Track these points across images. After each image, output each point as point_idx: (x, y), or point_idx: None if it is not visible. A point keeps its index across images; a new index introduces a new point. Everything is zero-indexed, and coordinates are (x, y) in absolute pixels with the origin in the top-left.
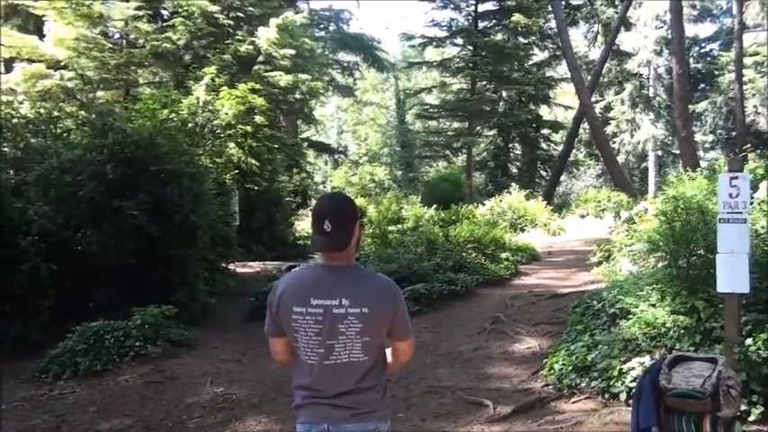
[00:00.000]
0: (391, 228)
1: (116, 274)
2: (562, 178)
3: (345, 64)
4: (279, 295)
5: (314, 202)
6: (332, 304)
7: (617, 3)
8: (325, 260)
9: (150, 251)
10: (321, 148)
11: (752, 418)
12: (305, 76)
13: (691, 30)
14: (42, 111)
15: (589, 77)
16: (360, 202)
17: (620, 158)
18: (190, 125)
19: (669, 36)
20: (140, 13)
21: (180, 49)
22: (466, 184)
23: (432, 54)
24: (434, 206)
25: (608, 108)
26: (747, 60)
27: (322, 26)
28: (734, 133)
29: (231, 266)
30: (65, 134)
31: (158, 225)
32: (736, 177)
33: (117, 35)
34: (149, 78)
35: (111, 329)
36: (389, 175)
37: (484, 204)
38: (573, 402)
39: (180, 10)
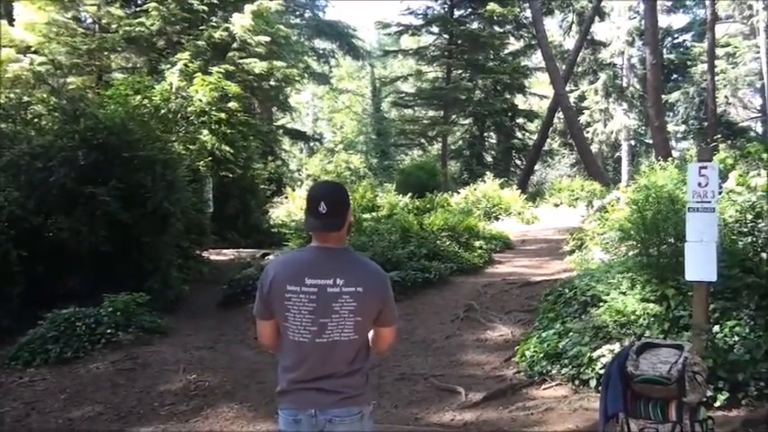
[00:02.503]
0: (366, 215)
1: (88, 261)
2: (536, 167)
3: (321, 51)
4: (272, 276)
5: (288, 189)
6: (326, 283)
7: None
8: (320, 242)
9: (123, 238)
10: (296, 135)
11: (717, 403)
12: (280, 63)
13: (664, 20)
14: (12, 96)
15: (564, 67)
16: None
17: (594, 148)
18: (163, 111)
19: (642, 27)
20: None
21: (153, 34)
22: (441, 172)
23: (407, 42)
24: (409, 194)
25: (582, 98)
26: (719, 51)
27: (298, 13)
28: (705, 123)
29: (205, 254)
30: (35, 120)
31: (131, 212)
32: (705, 167)
33: (89, 20)
34: (122, 64)
35: (83, 316)
36: (365, 163)
37: (458, 193)
38: (544, 389)
39: None
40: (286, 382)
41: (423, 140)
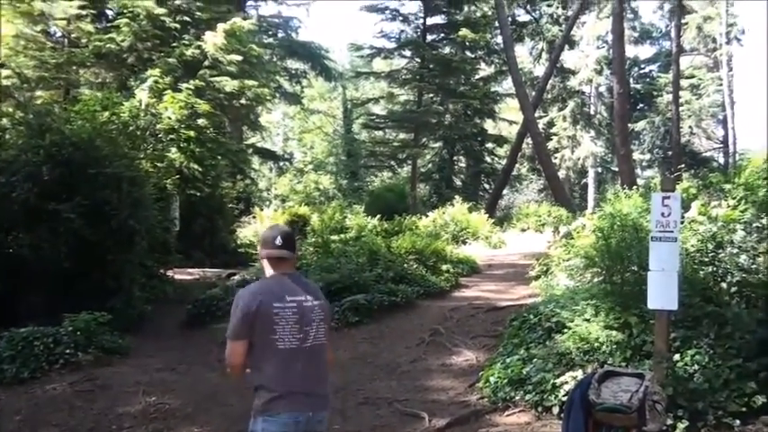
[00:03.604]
0: (334, 237)
1: (49, 279)
2: (505, 192)
3: (293, 71)
4: (258, 299)
5: (257, 209)
6: (302, 299)
7: (561, 21)
8: (279, 271)
9: (86, 256)
10: (266, 154)
11: None
12: (251, 82)
13: (631, 51)
14: None
15: (533, 93)
16: (303, 210)
17: (561, 174)
18: (131, 128)
19: (610, 56)
20: (83, 12)
21: (124, 50)
22: (410, 195)
23: (380, 65)
24: (378, 216)
25: (551, 124)
26: (684, 83)
27: (270, 33)
28: (670, 152)
29: (170, 273)
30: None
31: (95, 229)
32: (668, 197)
33: (59, 34)
34: (91, 79)
35: (41, 336)
36: (334, 184)
37: (427, 216)
38: (507, 415)
39: (125, 11)
40: (281, 387)
41: (393, 163)
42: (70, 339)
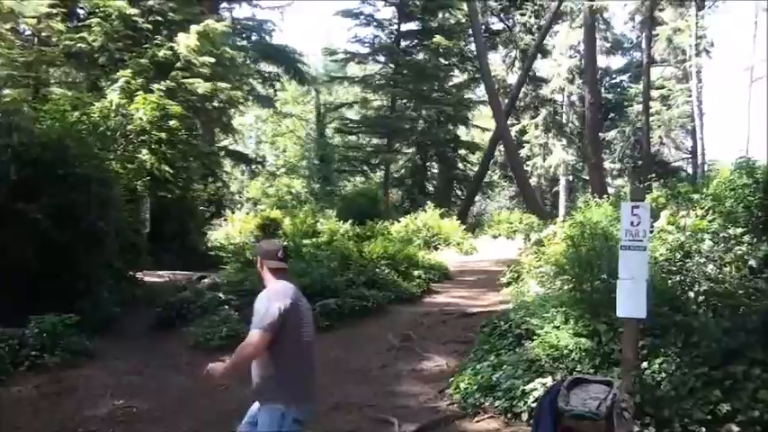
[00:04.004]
0: (306, 241)
1: (15, 280)
2: (477, 198)
3: (266, 75)
4: (288, 300)
5: (228, 211)
6: (303, 302)
7: (534, 30)
8: (284, 278)
9: (53, 257)
10: (238, 157)
11: None
12: (224, 85)
13: (603, 61)
14: None
15: (506, 101)
16: (275, 214)
17: (533, 181)
18: (101, 128)
19: (582, 65)
20: (54, 11)
21: (95, 50)
22: (383, 200)
23: (354, 70)
24: (350, 221)
25: (523, 132)
26: (654, 93)
27: (244, 35)
28: (640, 162)
29: (139, 275)
30: None
31: (63, 230)
32: (638, 207)
33: (28, 32)
34: (61, 78)
35: (6, 338)
36: (307, 188)
37: (399, 221)
38: (477, 421)
39: (97, 10)
40: (303, 380)
41: (365, 167)
42: (36, 341)
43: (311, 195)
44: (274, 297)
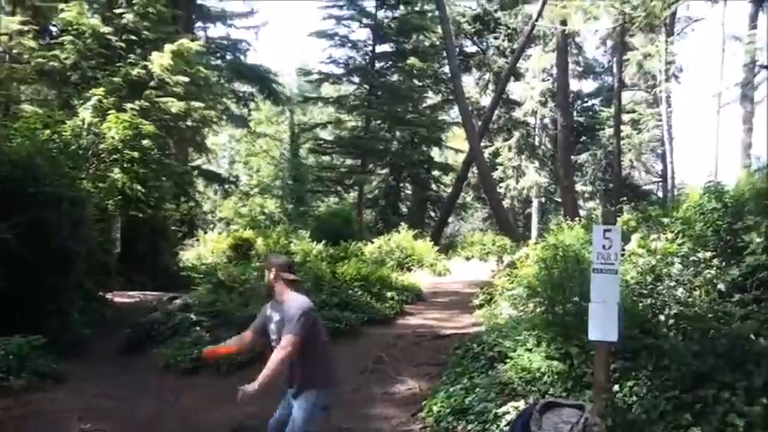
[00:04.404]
0: None
1: None
2: (450, 220)
3: (241, 94)
4: (313, 308)
5: (200, 231)
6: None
7: (507, 54)
8: (298, 289)
9: (23, 277)
10: (211, 177)
11: None
12: (198, 104)
13: (575, 85)
14: None
15: (479, 123)
16: (248, 234)
17: (506, 203)
18: (73, 147)
19: (555, 89)
20: (26, 28)
21: (67, 68)
22: (356, 220)
23: (328, 90)
24: (323, 242)
25: (496, 154)
26: (625, 117)
27: (219, 55)
28: (611, 185)
29: (109, 296)
30: None
31: (33, 250)
32: (609, 230)
33: (0, 49)
34: (33, 96)
35: None
36: (280, 208)
37: (373, 242)
38: None
39: (69, 28)
40: (329, 369)
41: (339, 188)
42: (2, 363)
43: (284, 216)
44: (309, 308)
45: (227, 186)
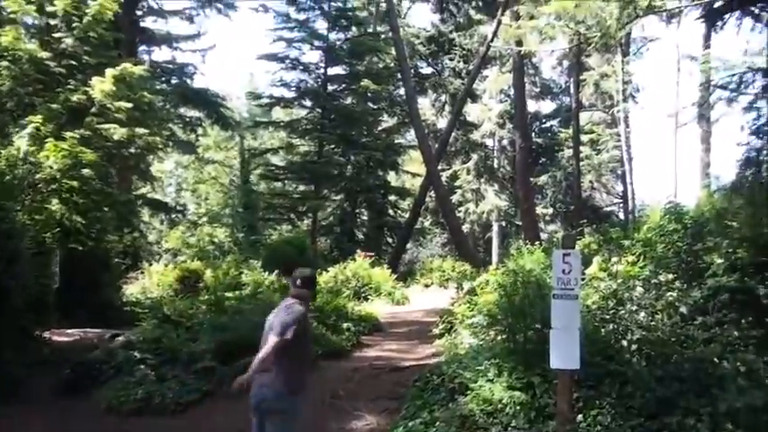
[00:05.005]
0: (228, 294)
1: None
2: (408, 246)
3: (188, 119)
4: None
5: (145, 264)
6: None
7: (464, 75)
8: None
9: None
10: (157, 206)
11: None
12: (142, 131)
13: (532, 106)
14: None
15: (436, 146)
16: (196, 265)
17: (466, 228)
18: (8, 178)
19: (512, 110)
20: None
21: (3, 94)
22: (310, 248)
23: (279, 114)
24: (276, 271)
25: (454, 177)
26: (584, 138)
27: (164, 79)
28: (572, 207)
29: (47, 334)
30: None
31: None
32: (569, 254)
33: None
34: None
35: None
36: (230, 238)
37: (328, 271)
38: None
39: (5, 53)
40: (303, 374)
41: (292, 215)
42: None
43: (235, 245)
44: (299, 315)
45: (173, 215)
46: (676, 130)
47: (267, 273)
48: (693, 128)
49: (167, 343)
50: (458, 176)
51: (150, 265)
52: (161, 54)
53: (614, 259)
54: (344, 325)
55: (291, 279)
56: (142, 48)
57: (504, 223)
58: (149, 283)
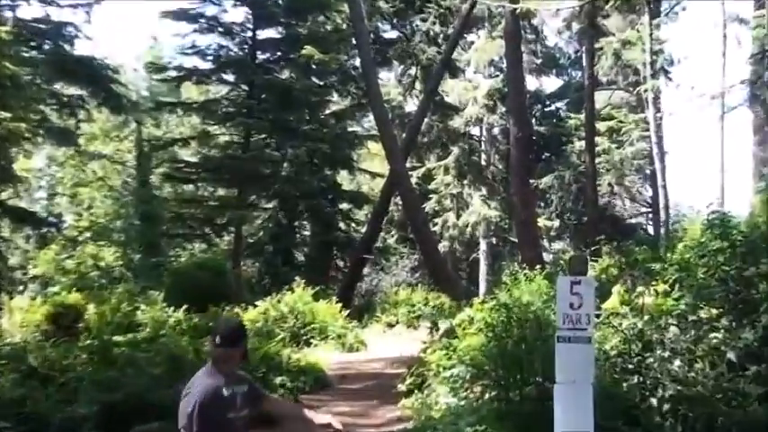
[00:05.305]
0: (118, 338)
1: None
2: (366, 271)
3: (66, 99)
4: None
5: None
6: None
7: (440, 41)
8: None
9: None
10: (21, 216)
11: None
12: (4, 114)
13: (533, 82)
14: None
15: (404, 136)
16: (74, 298)
17: (443, 246)
18: None
19: (505, 89)
20: None
21: None
22: (232, 274)
23: (191, 92)
24: (184, 307)
25: (428, 177)
26: (600, 125)
27: (33, 44)
28: (585, 218)
29: None
30: None
31: None
32: (579, 282)
33: None
34: None
35: None
36: (122, 260)
37: (256, 305)
38: None
39: None
40: None
41: (208, 230)
42: None
43: (128, 270)
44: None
45: (44, 230)
46: (722, 116)
47: (172, 308)
48: (744, 113)
49: (32, 406)
50: (433, 177)
51: (11, 298)
52: (30, 10)
53: (640, 288)
54: (278, 380)
55: (211, 335)
56: (5, 2)
57: (494, 240)
58: (9, 323)
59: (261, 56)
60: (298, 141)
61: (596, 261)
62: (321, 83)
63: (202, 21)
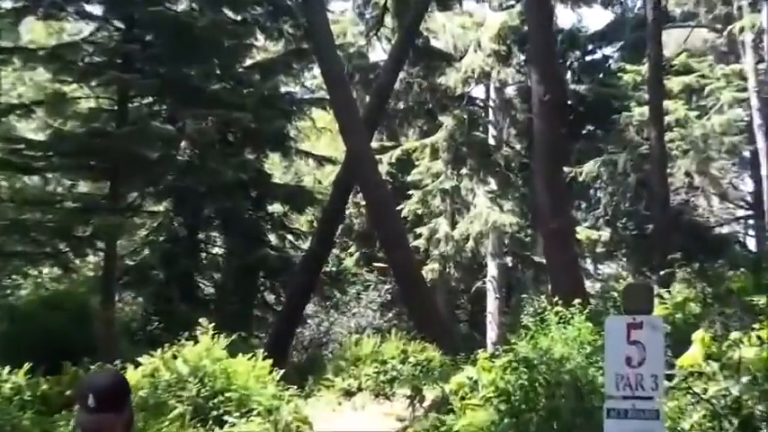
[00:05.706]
0: None
1: None
2: (310, 309)
3: None
4: None
5: None
6: None
7: None
8: None
9: None
10: None
11: None
12: None
13: (565, 16)
14: None
15: (368, 99)
16: None
17: (431, 271)
18: None
19: (524, 28)
20: None
21: None
22: (102, 315)
23: (37, 33)
24: (27, 365)
25: (406, 164)
26: (672, 84)
27: None
28: (649, 226)
29: None
30: None
31: None
32: (640, 325)
33: None
34: None
35: None
36: None
37: (139, 364)
38: None
39: None
40: None
41: (63, 246)
42: None
43: None
44: None
45: None
46: None
47: (7, 369)
48: None
49: None
50: (414, 163)
51: None
52: None
53: (736, 335)
54: None
55: (79, 395)
56: None
57: (509, 261)
58: None
59: None
60: (202, 108)
61: (668, 292)
62: (238, 17)
63: None
